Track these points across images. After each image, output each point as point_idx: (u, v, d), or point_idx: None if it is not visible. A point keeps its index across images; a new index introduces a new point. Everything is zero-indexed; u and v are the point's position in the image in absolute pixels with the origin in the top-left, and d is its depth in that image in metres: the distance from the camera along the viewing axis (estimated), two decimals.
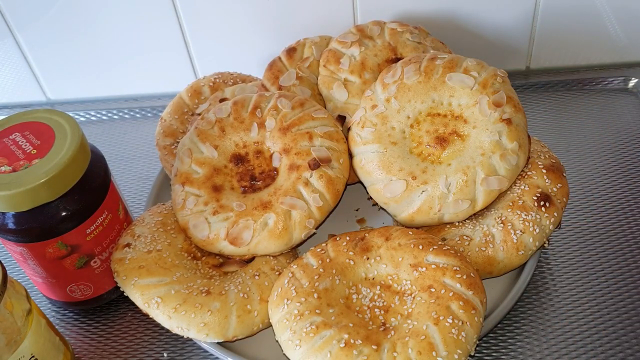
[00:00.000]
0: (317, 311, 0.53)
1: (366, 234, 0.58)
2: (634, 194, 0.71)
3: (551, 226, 0.59)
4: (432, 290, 0.53)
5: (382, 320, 0.54)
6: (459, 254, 0.56)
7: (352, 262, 0.57)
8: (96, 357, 0.64)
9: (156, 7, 0.82)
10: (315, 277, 0.55)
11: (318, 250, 0.58)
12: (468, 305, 0.51)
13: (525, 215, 0.58)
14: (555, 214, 0.59)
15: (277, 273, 0.60)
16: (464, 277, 0.53)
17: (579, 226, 0.69)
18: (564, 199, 0.61)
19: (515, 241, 0.58)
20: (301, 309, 0.53)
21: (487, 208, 0.61)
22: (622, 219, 0.69)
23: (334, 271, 0.56)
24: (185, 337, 0.58)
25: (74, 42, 0.87)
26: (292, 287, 0.55)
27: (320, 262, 0.57)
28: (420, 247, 0.55)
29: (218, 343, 0.58)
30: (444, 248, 0.56)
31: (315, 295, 0.54)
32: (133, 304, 0.59)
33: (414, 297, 0.54)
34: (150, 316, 0.58)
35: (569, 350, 0.59)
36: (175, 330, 0.57)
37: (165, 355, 0.63)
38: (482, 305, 0.53)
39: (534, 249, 0.59)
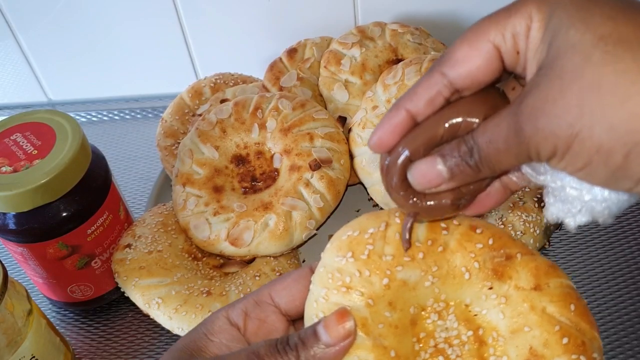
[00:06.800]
0: (369, 301, 0.36)
1: (518, 254, 0.38)
2: None
3: (552, 227, 0.59)
4: None
5: None
6: None
7: (467, 276, 0.37)
8: (97, 358, 0.63)
9: (157, 8, 0.82)
10: (406, 259, 0.37)
11: (442, 225, 0.38)
12: None
13: (526, 216, 0.58)
14: None
15: (277, 274, 0.60)
16: None
17: (579, 227, 0.69)
18: None
19: None
20: (354, 282, 0.36)
21: None
22: (622, 220, 0.69)
23: (434, 268, 0.37)
24: None
25: (75, 42, 0.87)
26: (369, 246, 0.37)
27: (429, 242, 0.37)
28: (565, 340, 0.36)
29: None
30: None
31: (385, 281, 0.36)
32: (134, 304, 0.59)
33: None
34: (151, 317, 0.58)
35: None
36: (176, 330, 0.57)
37: None
38: None
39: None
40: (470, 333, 0.38)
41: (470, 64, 0.33)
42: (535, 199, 0.59)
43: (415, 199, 0.36)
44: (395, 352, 0.36)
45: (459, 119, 0.34)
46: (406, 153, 0.35)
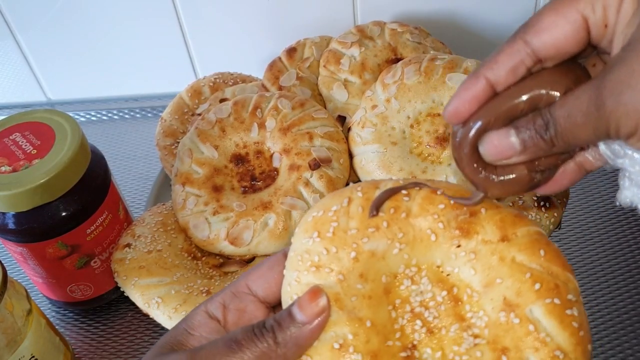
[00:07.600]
0: (340, 276, 0.36)
1: (482, 209, 0.38)
2: None
3: (551, 226, 0.59)
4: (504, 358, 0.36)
5: (414, 342, 0.37)
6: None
7: (433, 238, 0.37)
8: (96, 358, 0.64)
9: (156, 7, 0.82)
10: (370, 230, 0.37)
11: (404, 192, 0.38)
12: None
13: (526, 215, 0.58)
14: (555, 214, 0.59)
15: None
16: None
17: (579, 226, 0.69)
18: (564, 199, 0.61)
19: None
20: (323, 260, 0.37)
21: None
22: (622, 219, 0.69)
23: (400, 235, 0.37)
24: None
25: (75, 42, 0.87)
26: (333, 223, 0.37)
27: (392, 211, 0.37)
28: (537, 286, 0.36)
29: None
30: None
31: (353, 254, 0.37)
32: (133, 304, 0.59)
33: (475, 344, 0.37)
34: (151, 316, 0.58)
35: None
36: None
37: None
38: None
39: None
40: (444, 293, 0.37)
41: (557, 32, 0.32)
42: (535, 199, 0.59)
43: (485, 173, 0.35)
44: (372, 321, 0.36)
45: (542, 91, 0.33)
46: (480, 123, 0.34)
